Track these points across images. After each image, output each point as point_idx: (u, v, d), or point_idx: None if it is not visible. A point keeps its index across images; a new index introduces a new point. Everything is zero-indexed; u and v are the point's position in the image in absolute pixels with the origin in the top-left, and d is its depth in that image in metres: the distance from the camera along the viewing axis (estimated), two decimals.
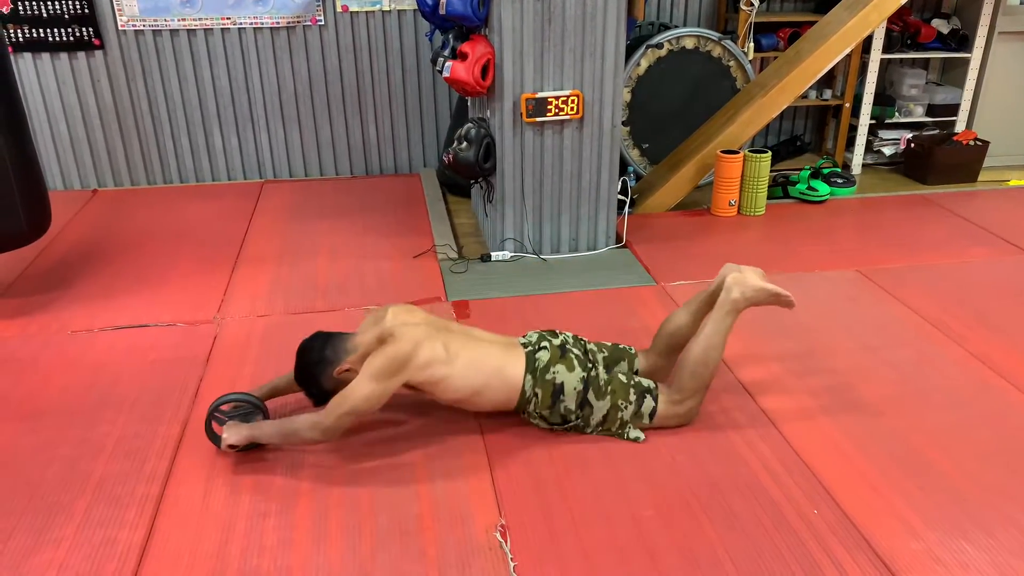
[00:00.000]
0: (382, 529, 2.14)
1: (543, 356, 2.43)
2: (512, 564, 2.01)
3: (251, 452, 2.42)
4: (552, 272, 3.72)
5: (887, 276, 3.59)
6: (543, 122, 3.62)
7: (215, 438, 2.41)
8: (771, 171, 4.42)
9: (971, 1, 4.99)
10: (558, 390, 2.39)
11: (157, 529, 2.15)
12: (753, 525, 2.13)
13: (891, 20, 4.89)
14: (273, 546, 2.09)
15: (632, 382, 2.47)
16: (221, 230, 4.28)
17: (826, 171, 4.72)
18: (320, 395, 2.38)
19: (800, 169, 4.70)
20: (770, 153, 4.30)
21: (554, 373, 2.40)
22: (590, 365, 2.46)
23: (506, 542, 2.09)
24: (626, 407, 2.44)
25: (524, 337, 2.55)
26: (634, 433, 2.47)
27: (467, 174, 3.77)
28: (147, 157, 4.99)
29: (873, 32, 4.62)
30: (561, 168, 3.74)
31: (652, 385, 2.49)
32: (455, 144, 3.71)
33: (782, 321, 3.17)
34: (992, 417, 2.58)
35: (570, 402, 2.41)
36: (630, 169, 4.72)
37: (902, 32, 5.00)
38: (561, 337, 2.53)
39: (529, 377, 2.39)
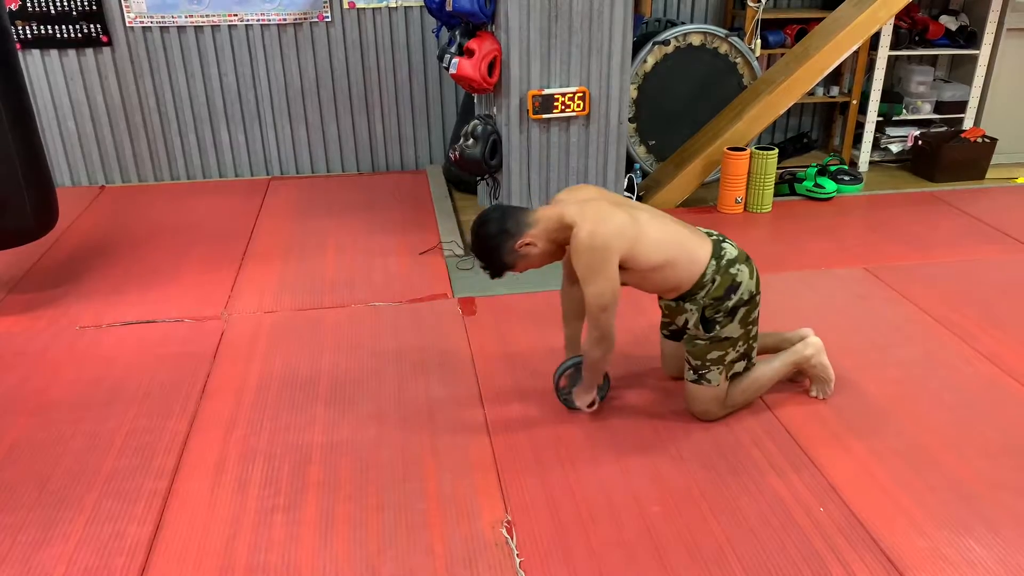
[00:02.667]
0: (389, 525, 2.14)
1: (730, 249, 2.43)
2: (518, 560, 2.02)
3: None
4: (559, 269, 3.71)
5: (895, 274, 3.59)
6: (549, 119, 3.62)
7: (571, 404, 2.61)
8: (778, 168, 4.42)
9: None
10: (734, 287, 2.38)
11: (165, 524, 2.16)
12: (759, 522, 2.13)
13: (899, 17, 4.87)
14: (280, 541, 2.09)
15: (754, 343, 2.52)
16: (228, 226, 4.29)
17: (833, 168, 4.71)
18: (497, 268, 2.40)
19: (807, 166, 4.68)
20: (777, 150, 4.29)
21: (738, 269, 2.39)
22: (760, 291, 2.48)
23: (512, 538, 2.09)
24: (738, 351, 2.46)
25: (703, 229, 2.54)
26: (716, 376, 2.47)
27: (473, 171, 3.78)
28: (155, 153, 5.01)
29: (881, 29, 4.60)
30: (567, 165, 3.74)
31: (749, 364, 2.55)
32: (461, 141, 3.72)
33: (789, 319, 3.17)
34: (1000, 415, 2.58)
35: (732, 302, 2.39)
36: (636, 166, 4.72)
37: (910, 29, 4.98)
38: None
39: (714, 262, 2.38)
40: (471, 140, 3.66)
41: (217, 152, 5.07)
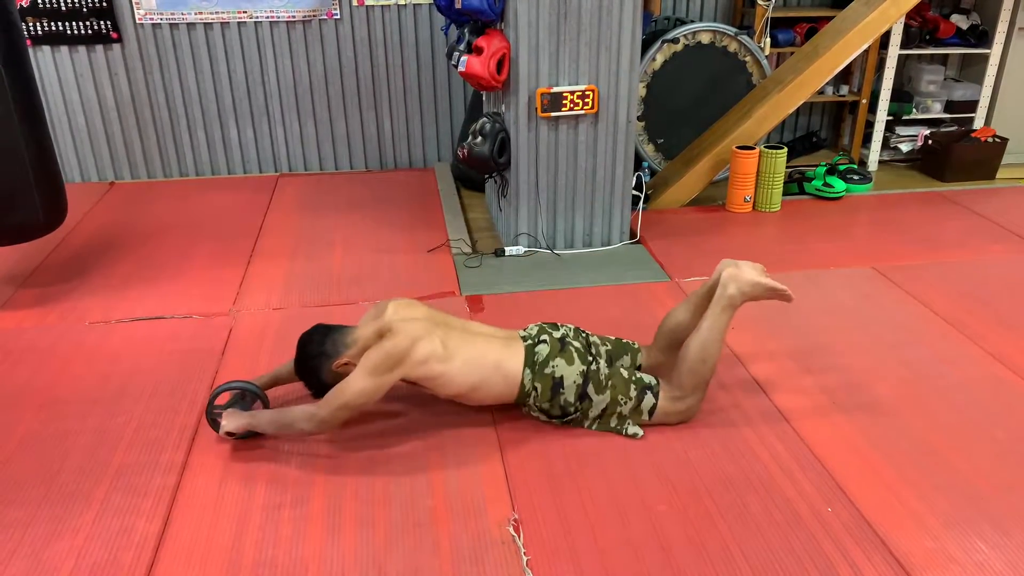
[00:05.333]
0: (396, 521, 2.15)
1: (542, 350, 2.43)
2: (525, 558, 2.02)
3: (251, 440, 2.45)
4: (566, 267, 3.72)
5: (903, 273, 3.57)
6: (558, 117, 3.61)
7: (215, 424, 2.45)
8: (787, 167, 4.40)
9: None
10: (557, 384, 2.40)
11: (173, 519, 2.17)
12: (766, 522, 2.12)
13: (910, 15, 4.85)
14: (288, 538, 2.10)
15: (634, 377, 2.47)
16: (237, 223, 4.30)
17: (842, 167, 4.69)
18: (319, 387, 2.40)
19: (816, 165, 4.67)
20: (786, 149, 4.28)
21: (553, 367, 2.40)
22: (591, 359, 2.46)
23: (519, 536, 2.09)
24: (626, 402, 2.44)
25: (524, 330, 2.54)
26: (632, 429, 2.46)
27: (481, 169, 3.78)
28: (164, 150, 5.03)
29: (891, 27, 4.58)
30: (575, 163, 3.74)
31: (654, 381, 2.49)
32: (470, 138, 3.72)
33: (796, 318, 3.16)
34: (1009, 416, 2.57)
35: (569, 395, 2.41)
36: (644, 164, 4.71)
37: (921, 28, 4.96)
38: (562, 330, 2.53)
39: (528, 371, 2.40)
40: (479, 138, 3.66)
41: (226, 149, 5.08)
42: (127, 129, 4.93)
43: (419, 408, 2.65)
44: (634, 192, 3.99)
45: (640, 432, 2.46)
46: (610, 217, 3.90)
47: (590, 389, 2.41)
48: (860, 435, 2.48)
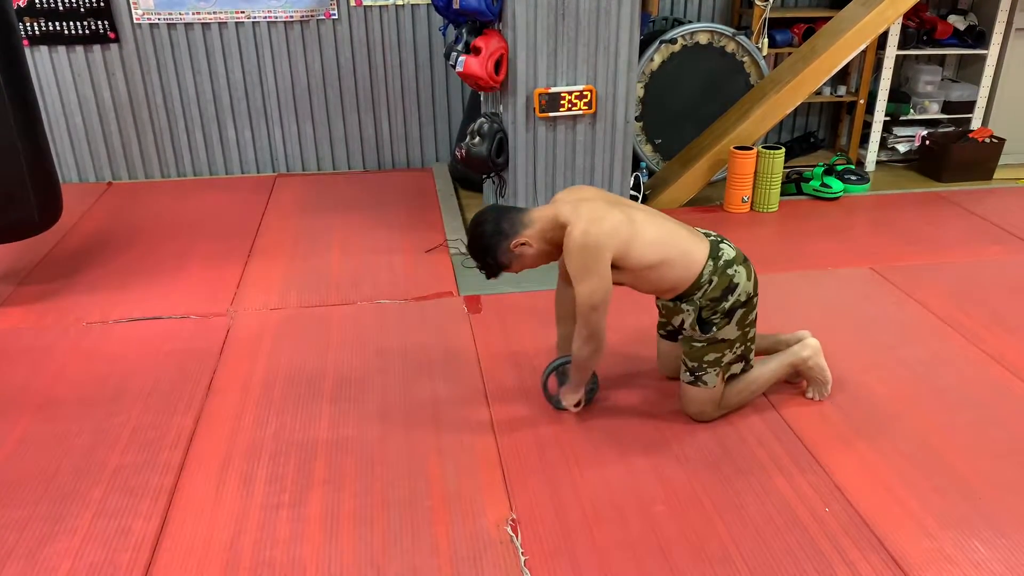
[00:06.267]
0: (394, 522, 2.15)
1: (727, 250, 2.42)
2: (523, 558, 2.02)
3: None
4: None
5: (901, 274, 3.58)
6: (556, 117, 3.62)
7: (559, 407, 2.61)
8: (784, 168, 4.41)
9: None
10: (730, 288, 2.37)
11: (171, 520, 2.17)
12: (764, 522, 2.13)
13: (907, 16, 4.86)
14: (286, 538, 2.10)
15: (751, 351, 2.52)
16: (234, 223, 4.30)
17: (840, 168, 4.70)
18: (493, 267, 2.40)
19: (814, 166, 4.68)
20: (784, 149, 4.29)
21: (735, 271, 2.38)
22: (757, 295, 2.47)
23: (517, 536, 2.09)
24: (734, 354, 2.46)
25: (702, 230, 2.53)
26: (712, 378, 2.47)
27: (479, 169, 3.78)
28: (161, 150, 5.02)
29: (889, 28, 4.59)
30: (574, 163, 3.74)
31: (741, 371, 2.54)
32: (468, 139, 3.72)
33: (794, 319, 3.16)
34: (1007, 417, 2.57)
35: (728, 303, 2.38)
36: (642, 165, 4.71)
37: (918, 28, 4.97)
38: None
39: (711, 263, 2.37)
40: (477, 138, 3.66)
41: (224, 149, 5.08)
42: (125, 129, 4.93)
43: (418, 409, 2.65)
44: (632, 192, 3.99)
45: (713, 384, 2.48)
46: None
47: (739, 315, 2.40)
48: (858, 435, 2.48)
